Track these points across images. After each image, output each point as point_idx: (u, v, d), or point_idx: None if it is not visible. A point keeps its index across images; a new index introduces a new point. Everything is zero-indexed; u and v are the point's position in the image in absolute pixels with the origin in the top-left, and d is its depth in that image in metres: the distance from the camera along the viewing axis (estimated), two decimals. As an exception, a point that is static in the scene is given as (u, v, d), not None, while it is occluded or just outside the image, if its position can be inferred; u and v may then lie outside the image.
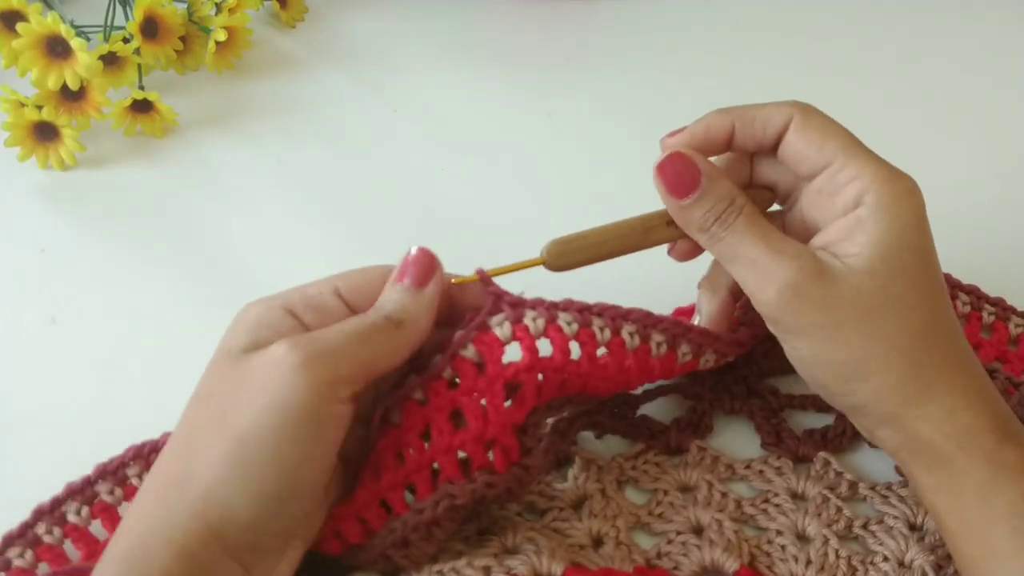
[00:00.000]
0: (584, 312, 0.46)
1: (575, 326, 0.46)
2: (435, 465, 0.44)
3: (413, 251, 0.45)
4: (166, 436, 0.51)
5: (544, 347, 0.45)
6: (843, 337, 0.44)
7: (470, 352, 0.44)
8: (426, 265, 0.45)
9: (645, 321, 0.47)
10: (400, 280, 0.45)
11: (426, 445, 0.44)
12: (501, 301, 0.46)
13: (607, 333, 0.47)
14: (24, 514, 0.50)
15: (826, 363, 0.45)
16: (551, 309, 0.46)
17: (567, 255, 0.48)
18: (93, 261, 0.66)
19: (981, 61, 0.87)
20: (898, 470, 0.51)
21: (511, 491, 0.45)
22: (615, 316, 0.47)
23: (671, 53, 0.87)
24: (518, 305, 0.45)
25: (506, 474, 0.44)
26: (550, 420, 0.51)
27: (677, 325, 0.48)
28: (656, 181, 0.47)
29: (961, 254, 0.63)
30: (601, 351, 0.47)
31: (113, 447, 0.53)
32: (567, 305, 0.46)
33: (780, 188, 0.50)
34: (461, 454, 0.44)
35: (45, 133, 0.70)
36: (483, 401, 0.44)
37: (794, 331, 0.45)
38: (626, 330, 0.47)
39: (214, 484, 0.39)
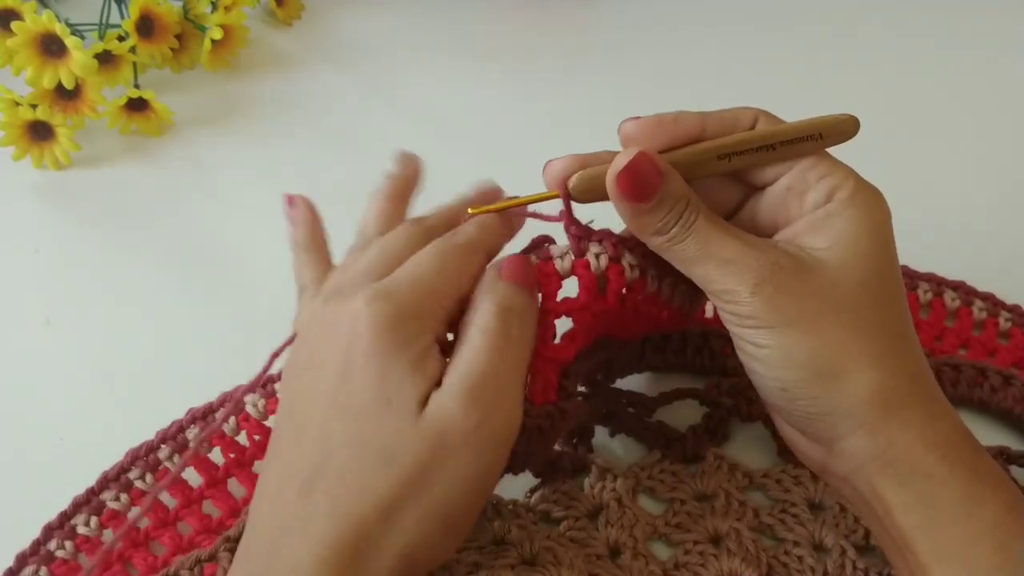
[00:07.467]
0: (646, 258, 0.45)
1: (636, 272, 0.45)
2: None
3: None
4: (160, 433, 0.51)
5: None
6: (820, 329, 0.41)
7: None
8: (531, 270, 0.44)
9: None
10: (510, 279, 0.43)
11: None
12: (569, 230, 0.44)
13: (656, 282, 0.46)
14: (18, 514, 0.50)
15: (798, 360, 0.41)
16: (617, 246, 0.44)
17: (595, 190, 0.43)
18: (88, 261, 0.65)
19: (982, 61, 0.87)
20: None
21: (542, 431, 0.43)
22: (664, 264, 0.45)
23: (671, 53, 0.87)
24: (583, 237, 0.44)
25: (540, 407, 0.43)
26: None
27: None
28: (612, 185, 0.42)
29: (951, 250, 0.64)
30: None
31: (108, 447, 0.53)
32: (631, 244, 0.44)
33: (721, 201, 0.47)
34: None
35: (40, 132, 0.69)
36: None
37: (769, 325, 0.41)
38: (666, 282, 0.46)
39: (419, 553, 0.39)
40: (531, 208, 0.46)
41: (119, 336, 0.60)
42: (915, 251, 0.62)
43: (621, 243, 0.45)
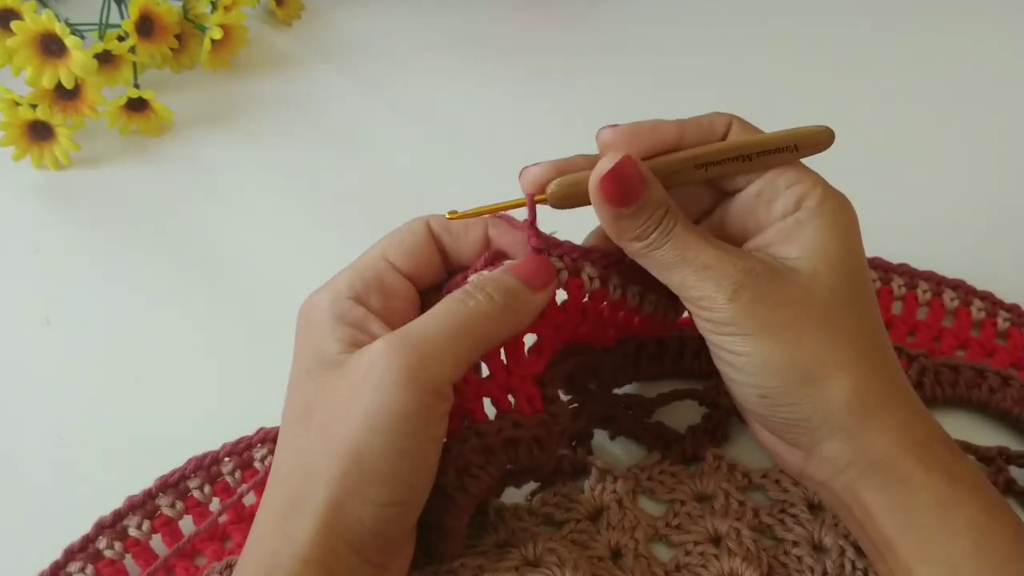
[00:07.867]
0: (608, 268, 0.45)
1: (596, 283, 0.45)
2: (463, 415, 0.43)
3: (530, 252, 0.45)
4: (226, 447, 0.51)
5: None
6: (795, 336, 0.41)
7: None
8: (547, 273, 0.44)
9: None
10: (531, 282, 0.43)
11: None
12: (529, 241, 0.44)
13: (619, 292, 0.46)
14: (17, 517, 0.50)
15: (776, 367, 0.41)
16: (577, 260, 0.45)
17: (573, 197, 0.44)
18: (88, 261, 0.65)
19: (982, 60, 0.87)
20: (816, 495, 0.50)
21: (539, 440, 0.43)
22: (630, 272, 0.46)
23: (671, 52, 0.87)
24: (543, 250, 0.44)
25: (532, 417, 0.43)
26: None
27: None
28: (595, 188, 0.43)
29: (950, 250, 0.64)
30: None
31: (107, 448, 0.53)
32: (594, 256, 0.45)
33: (692, 205, 0.48)
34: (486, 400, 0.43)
35: (40, 132, 0.69)
36: (502, 353, 0.43)
37: (746, 333, 0.42)
38: (631, 291, 0.47)
39: (341, 501, 0.38)
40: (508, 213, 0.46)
41: (119, 336, 0.60)
42: (915, 250, 0.62)
43: (582, 256, 0.45)
